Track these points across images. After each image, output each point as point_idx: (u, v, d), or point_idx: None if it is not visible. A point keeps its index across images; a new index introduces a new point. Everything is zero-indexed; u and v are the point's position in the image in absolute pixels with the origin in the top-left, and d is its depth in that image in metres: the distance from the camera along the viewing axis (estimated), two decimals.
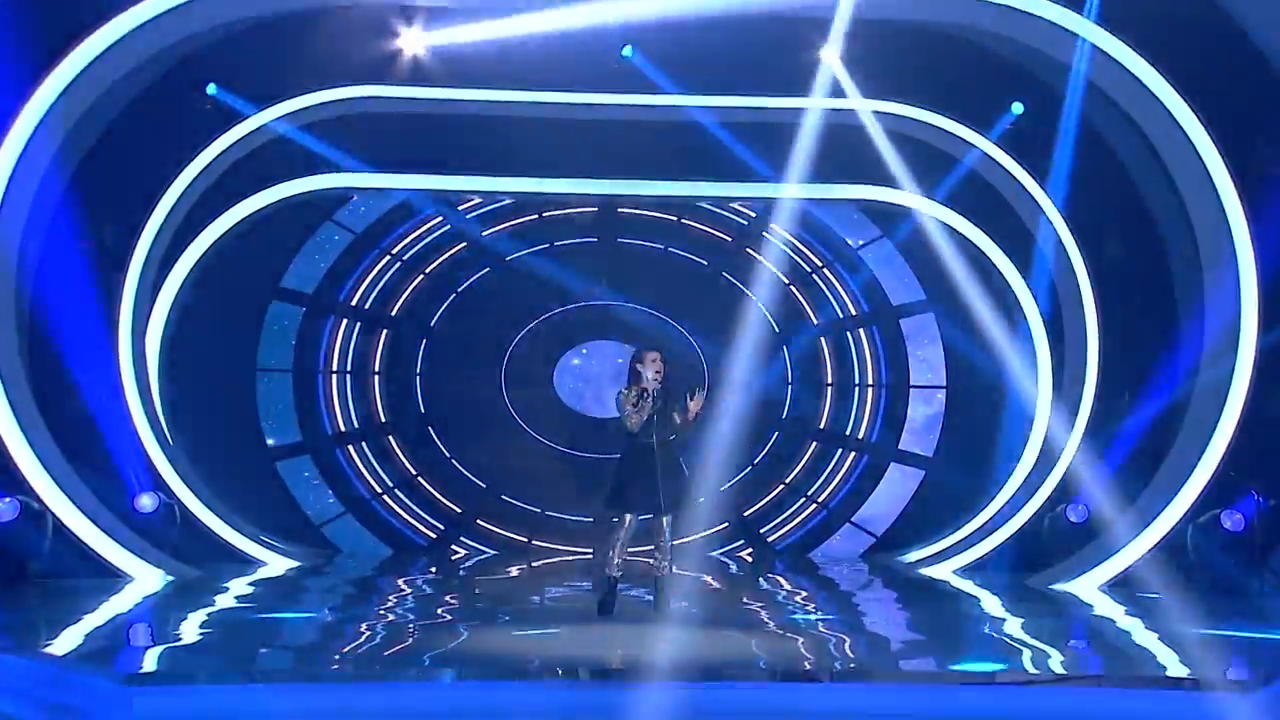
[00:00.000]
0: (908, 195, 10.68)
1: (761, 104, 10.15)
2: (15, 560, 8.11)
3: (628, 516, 6.57)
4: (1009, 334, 10.52)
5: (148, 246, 9.22)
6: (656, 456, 6.47)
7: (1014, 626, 7.08)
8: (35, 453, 8.03)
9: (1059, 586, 8.75)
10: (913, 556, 10.68)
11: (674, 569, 6.70)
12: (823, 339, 12.00)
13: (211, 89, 9.38)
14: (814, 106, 9.90)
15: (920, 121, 10.09)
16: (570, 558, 11.16)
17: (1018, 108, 9.99)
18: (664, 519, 6.55)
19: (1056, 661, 5.79)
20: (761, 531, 11.77)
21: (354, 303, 11.66)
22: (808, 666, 5.46)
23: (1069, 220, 9.78)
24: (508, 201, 11.58)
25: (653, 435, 6.50)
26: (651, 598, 6.68)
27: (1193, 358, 8.90)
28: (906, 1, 9.16)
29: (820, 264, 12.01)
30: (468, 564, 10.65)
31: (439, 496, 11.57)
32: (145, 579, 8.42)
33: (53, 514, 8.05)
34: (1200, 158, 8.49)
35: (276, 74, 9.44)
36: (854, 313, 12.02)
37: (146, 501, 9.02)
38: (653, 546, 6.68)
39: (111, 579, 8.23)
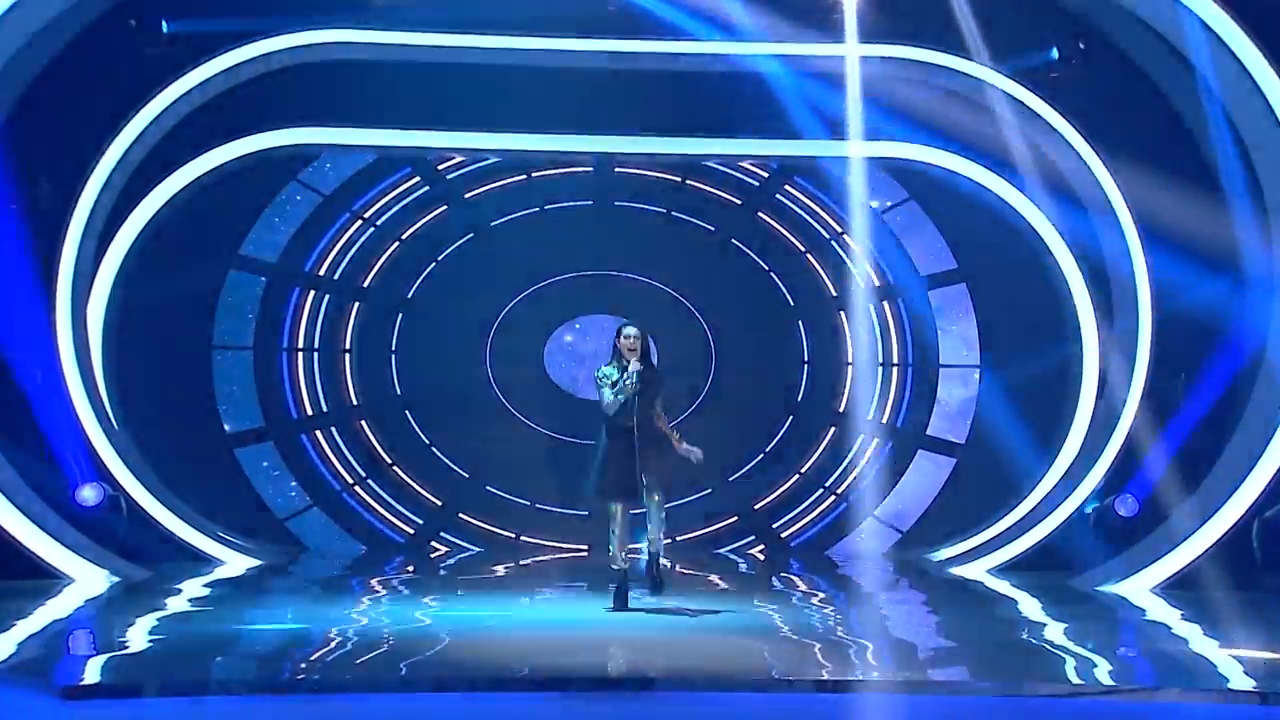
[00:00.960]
0: (939, 154, 10.73)
1: (775, 50, 10.09)
2: None
3: (616, 506, 6.89)
4: (1052, 308, 10.56)
5: (88, 210, 9.14)
6: (635, 440, 6.73)
7: (1055, 632, 7.04)
8: None
9: (1106, 589, 8.74)
10: (943, 555, 10.71)
11: (662, 557, 7.18)
12: (842, 313, 11.94)
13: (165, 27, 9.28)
14: (842, 53, 9.91)
15: (951, 69, 10.11)
16: (564, 555, 11.17)
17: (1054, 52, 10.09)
18: (652, 500, 6.91)
19: (1103, 672, 5.75)
20: (774, 526, 11.74)
21: (321, 272, 11.58)
22: (824, 676, 5.43)
23: (1121, 186, 9.80)
24: (493, 160, 11.53)
25: (633, 418, 6.75)
26: (648, 588, 7.08)
27: (1259, 336, 8.89)
28: None
29: (840, 230, 11.94)
30: (449, 562, 10.63)
31: (417, 487, 11.53)
32: (87, 581, 8.37)
33: None
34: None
35: (233, 10, 9.38)
36: (877, 284, 11.94)
37: (89, 494, 8.93)
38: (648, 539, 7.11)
39: (49, 580, 8.19)
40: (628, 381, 6.75)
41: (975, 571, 9.96)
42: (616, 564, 6.96)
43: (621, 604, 6.94)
